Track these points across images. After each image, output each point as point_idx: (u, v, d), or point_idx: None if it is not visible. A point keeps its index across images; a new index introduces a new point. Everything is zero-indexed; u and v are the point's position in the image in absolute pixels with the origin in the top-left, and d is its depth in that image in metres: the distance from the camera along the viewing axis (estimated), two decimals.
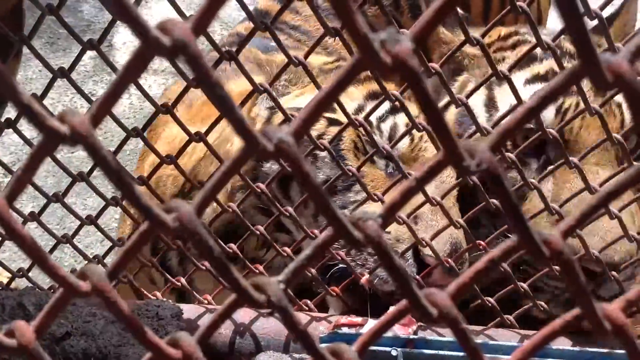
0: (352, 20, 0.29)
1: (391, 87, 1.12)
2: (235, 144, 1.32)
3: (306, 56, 1.00)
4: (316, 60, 1.36)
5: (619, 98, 1.19)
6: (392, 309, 0.41)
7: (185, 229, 0.35)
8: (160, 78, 3.32)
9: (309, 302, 1.29)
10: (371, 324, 1.19)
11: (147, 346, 0.40)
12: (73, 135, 0.32)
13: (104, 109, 0.33)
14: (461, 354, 1.09)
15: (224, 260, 0.37)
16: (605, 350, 1.06)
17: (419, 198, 1.08)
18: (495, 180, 0.34)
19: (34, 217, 1.17)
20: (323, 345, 1.11)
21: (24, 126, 1.18)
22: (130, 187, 0.34)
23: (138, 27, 0.30)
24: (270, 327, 1.18)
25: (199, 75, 0.31)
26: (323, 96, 0.35)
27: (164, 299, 1.21)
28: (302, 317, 1.19)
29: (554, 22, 2.26)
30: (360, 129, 1.06)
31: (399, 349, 1.06)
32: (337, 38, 0.99)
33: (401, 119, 1.26)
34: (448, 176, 1.29)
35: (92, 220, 1.19)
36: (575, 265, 0.37)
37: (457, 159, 0.34)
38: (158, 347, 0.40)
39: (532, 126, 1.12)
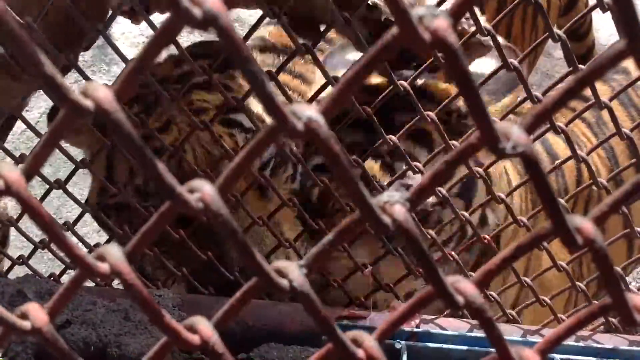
0: None
1: None
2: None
3: (314, 45, 0.99)
4: None
5: None
6: (415, 296, 0.40)
7: (209, 210, 0.34)
8: None
9: None
10: (374, 317, 1.18)
11: (165, 330, 0.39)
12: (97, 110, 0.31)
13: (129, 82, 0.32)
14: (464, 347, 1.08)
15: (248, 243, 0.36)
16: (610, 347, 1.06)
17: None
18: (531, 164, 0.33)
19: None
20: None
21: None
22: (153, 164, 0.33)
23: None
24: (272, 318, 1.17)
25: (230, 49, 0.30)
26: (352, 75, 0.34)
27: (165, 289, 1.19)
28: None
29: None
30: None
31: (402, 342, 1.06)
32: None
33: None
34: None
35: (92, 208, 1.18)
36: (607, 254, 0.36)
37: (492, 141, 0.33)
38: (176, 331, 0.39)
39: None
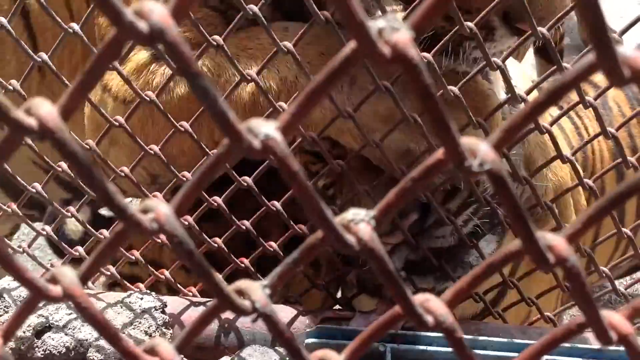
0: (347, 5, 0.27)
1: None
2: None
3: (295, 44, 0.97)
4: None
5: None
6: (385, 315, 0.39)
7: (164, 231, 0.33)
8: None
9: (295, 294, 1.27)
10: (358, 317, 1.17)
11: (123, 353, 0.37)
12: (41, 128, 0.30)
13: (74, 100, 0.30)
14: (450, 349, 1.07)
15: (205, 263, 0.35)
16: (595, 347, 1.05)
17: None
18: (498, 182, 0.31)
19: (13, 209, 1.14)
20: (310, 340, 1.08)
21: None
22: (102, 185, 0.31)
23: (111, 10, 0.27)
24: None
25: (179, 64, 0.28)
26: (313, 89, 0.32)
27: (147, 291, 1.18)
28: (289, 312, 1.16)
29: None
30: None
31: (387, 345, 1.04)
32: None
33: None
34: None
35: (72, 214, 1.16)
36: (581, 273, 0.34)
37: (458, 158, 0.31)
38: (134, 355, 0.37)
39: None
